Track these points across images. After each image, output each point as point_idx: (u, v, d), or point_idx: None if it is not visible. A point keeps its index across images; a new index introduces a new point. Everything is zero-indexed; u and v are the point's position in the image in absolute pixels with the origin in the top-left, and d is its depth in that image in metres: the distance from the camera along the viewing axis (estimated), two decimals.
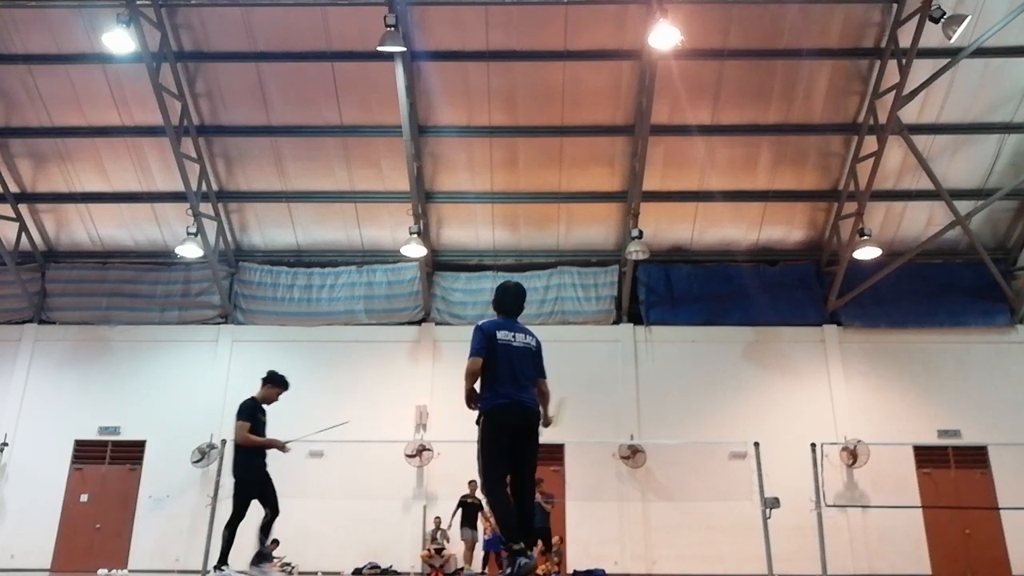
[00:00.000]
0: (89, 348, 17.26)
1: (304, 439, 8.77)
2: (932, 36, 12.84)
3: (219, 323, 17.38)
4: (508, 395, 5.42)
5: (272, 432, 8.08)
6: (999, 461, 15.84)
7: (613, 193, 16.70)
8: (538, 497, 13.79)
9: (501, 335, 5.55)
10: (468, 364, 5.47)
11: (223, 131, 16.13)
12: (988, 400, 16.20)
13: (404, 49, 13.66)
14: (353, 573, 15.04)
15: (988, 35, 13.67)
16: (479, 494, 14.54)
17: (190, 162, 15.63)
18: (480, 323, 5.66)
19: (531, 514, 5.62)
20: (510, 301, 5.81)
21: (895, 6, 13.95)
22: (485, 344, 5.49)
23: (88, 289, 17.56)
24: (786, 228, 17.27)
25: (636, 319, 17.11)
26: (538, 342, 5.73)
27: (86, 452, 16.63)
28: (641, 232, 15.35)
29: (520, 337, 5.61)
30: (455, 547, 14.89)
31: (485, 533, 14.12)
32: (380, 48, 13.02)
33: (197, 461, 15.89)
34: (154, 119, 14.99)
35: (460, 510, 14.26)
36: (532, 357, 5.63)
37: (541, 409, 5.62)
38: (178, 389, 16.82)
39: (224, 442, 15.27)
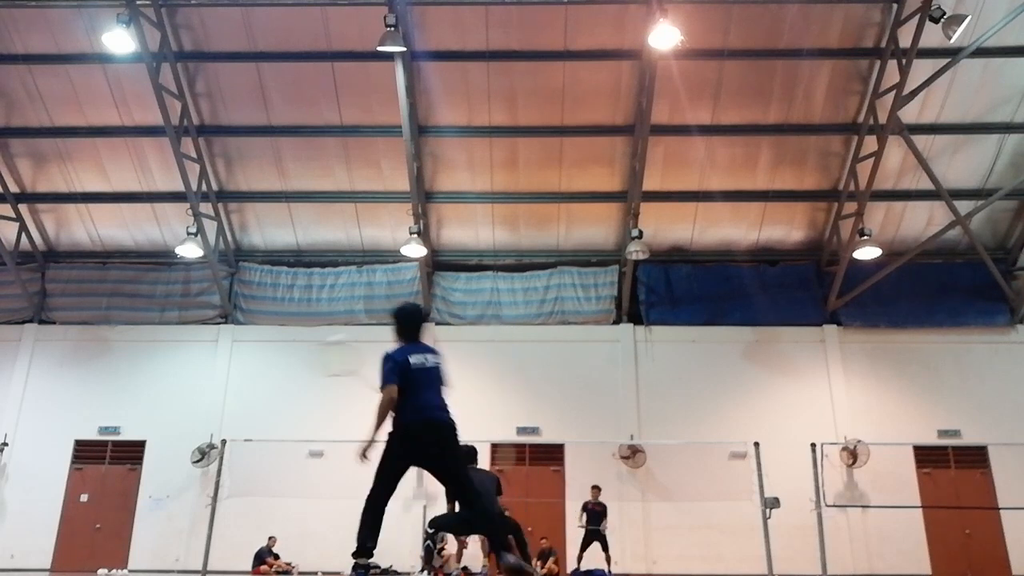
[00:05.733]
0: (89, 348, 17.25)
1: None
2: (932, 36, 12.85)
3: (219, 323, 17.37)
4: (422, 415, 5.65)
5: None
6: (999, 461, 15.83)
7: (613, 193, 16.69)
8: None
9: (414, 360, 5.77)
10: (384, 393, 5.52)
11: (223, 131, 16.13)
12: (988, 400, 16.19)
13: (404, 49, 13.67)
14: (353, 572, 15.03)
15: (988, 35, 13.67)
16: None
17: (190, 162, 15.63)
18: (389, 352, 5.80)
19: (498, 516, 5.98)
20: (413, 327, 6.05)
21: (895, 6, 13.95)
22: (398, 371, 5.65)
23: (88, 289, 17.56)
24: (786, 228, 17.27)
25: (636, 319, 17.11)
26: (442, 357, 6.02)
27: (86, 452, 16.62)
28: (641, 232, 15.35)
29: (431, 358, 5.89)
30: (453, 547, 14.88)
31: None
32: (380, 48, 13.02)
33: (197, 461, 15.88)
34: (154, 119, 14.99)
35: None
36: (440, 372, 5.93)
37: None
38: (178, 389, 16.82)
39: (224, 442, 15.32)
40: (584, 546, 14.15)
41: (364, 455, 5.51)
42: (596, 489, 14.62)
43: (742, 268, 17.38)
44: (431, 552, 8.05)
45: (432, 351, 5.97)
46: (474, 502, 5.87)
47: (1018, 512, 14.95)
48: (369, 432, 5.50)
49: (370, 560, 5.62)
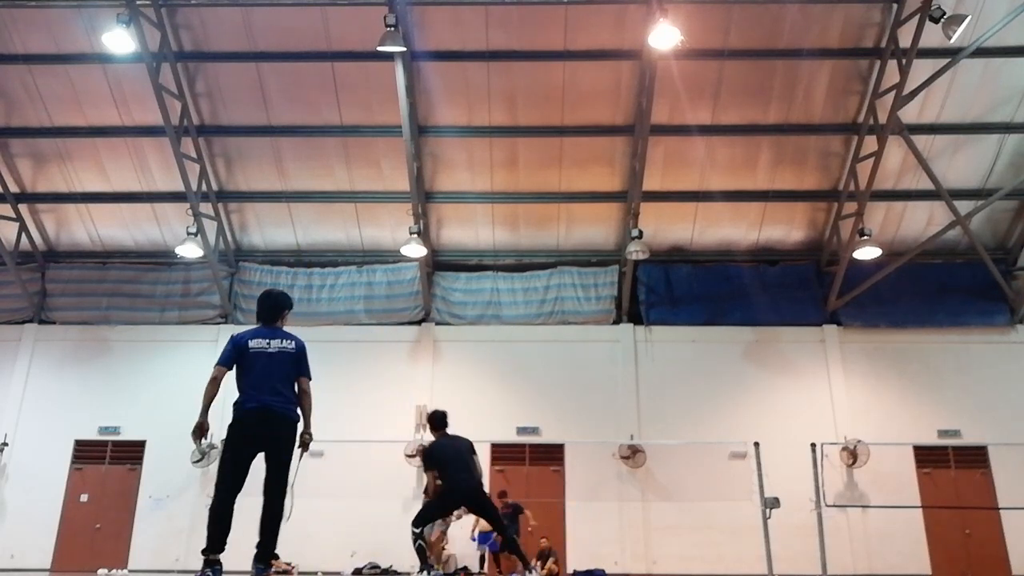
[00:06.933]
0: (89, 348, 17.26)
1: None
2: (932, 36, 12.85)
3: (219, 323, 17.36)
4: (255, 399, 5.54)
5: None
6: (999, 461, 15.84)
7: (613, 193, 16.69)
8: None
9: (254, 343, 5.64)
10: (211, 372, 5.58)
11: (223, 131, 16.13)
12: (988, 400, 16.19)
13: (404, 49, 13.66)
14: (353, 573, 15.05)
15: (988, 35, 13.68)
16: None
17: (190, 162, 15.63)
18: (234, 334, 5.76)
19: (277, 517, 5.67)
20: (263, 311, 5.90)
21: (895, 6, 13.96)
22: (233, 355, 5.60)
23: (88, 289, 17.56)
24: (786, 228, 17.27)
25: (636, 319, 17.11)
26: (299, 345, 5.76)
27: (86, 452, 16.62)
28: (641, 232, 15.35)
29: (276, 343, 5.68)
30: (455, 547, 14.89)
31: (473, 532, 14.21)
32: (380, 48, 13.02)
33: (197, 461, 15.87)
34: (154, 119, 14.99)
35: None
36: (292, 361, 5.67)
37: (301, 412, 5.69)
38: (178, 389, 16.74)
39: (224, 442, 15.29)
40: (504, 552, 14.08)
41: (199, 437, 5.51)
42: (504, 494, 14.26)
43: (742, 268, 17.38)
44: (424, 551, 8.08)
45: (285, 337, 5.74)
46: (271, 507, 5.61)
47: (1018, 512, 14.94)
48: (199, 414, 5.53)
49: (218, 557, 5.38)
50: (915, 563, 15.27)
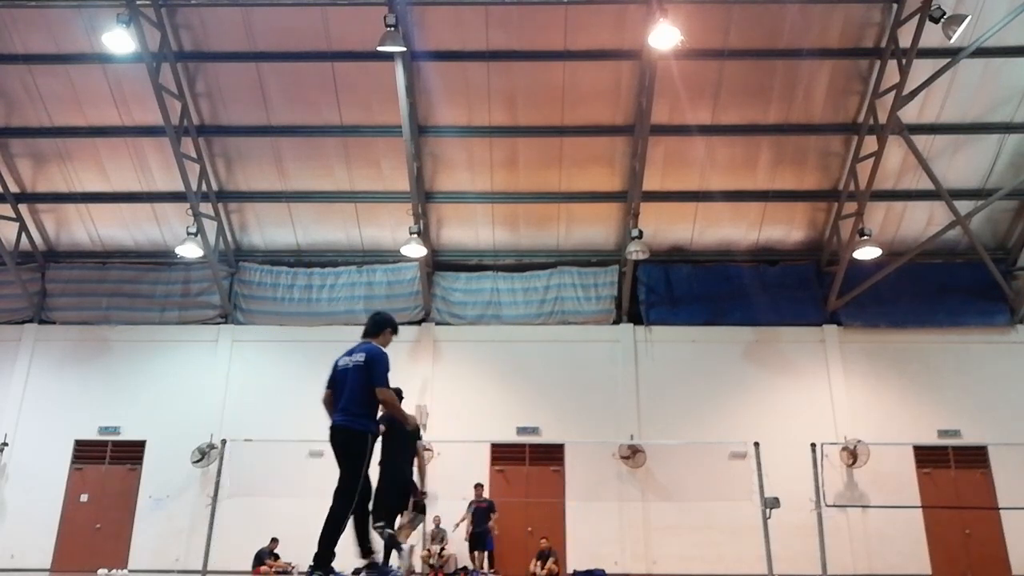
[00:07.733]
0: (89, 348, 17.26)
1: None
2: (932, 36, 12.85)
3: (219, 323, 17.37)
4: (332, 419, 5.81)
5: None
6: (999, 461, 15.83)
7: (613, 193, 16.70)
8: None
9: (341, 362, 5.95)
10: None
11: (223, 131, 16.13)
12: (988, 400, 16.19)
13: (404, 49, 13.67)
14: (353, 573, 15.03)
15: (988, 35, 13.68)
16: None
17: (190, 162, 15.64)
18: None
19: (331, 522, 5.78)
20: (367, 325, 6.16)
21: (895, 6, 13.96)
22: (330, 375, 6.00)
23: (88, 289, 17.57)
24: (786, 228, 17.27)
25: (636, 319, 17.11)
26: (368, 356, 5.81)
27: (86, 452, 16.63)
28: (641, 232, 15.35)
29: (354, 359, 5.86)
30: (454, 547, 14.91)
31: (462, 530, 14.31)
32: (380, 48, 13.03)
33: (197, 461, 15.88)
34: (154, 119, 15.00)
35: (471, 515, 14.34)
36: (361, 372, 5.75)
37: (391, 416, 5.94)
38: (178, 389, 16.82)
39: (224, 442, 15.31)
40: (472, 548, 14.16)
41: None
42: (479, 487, 14.75)
43: (742, 268, 17.38)
44: (394, 541, 8.16)
45: (362, 351, 5.88)
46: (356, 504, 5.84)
47: (1018, 512, 14.96)
48: None
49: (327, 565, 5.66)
50: (915, 563, 15.27)
